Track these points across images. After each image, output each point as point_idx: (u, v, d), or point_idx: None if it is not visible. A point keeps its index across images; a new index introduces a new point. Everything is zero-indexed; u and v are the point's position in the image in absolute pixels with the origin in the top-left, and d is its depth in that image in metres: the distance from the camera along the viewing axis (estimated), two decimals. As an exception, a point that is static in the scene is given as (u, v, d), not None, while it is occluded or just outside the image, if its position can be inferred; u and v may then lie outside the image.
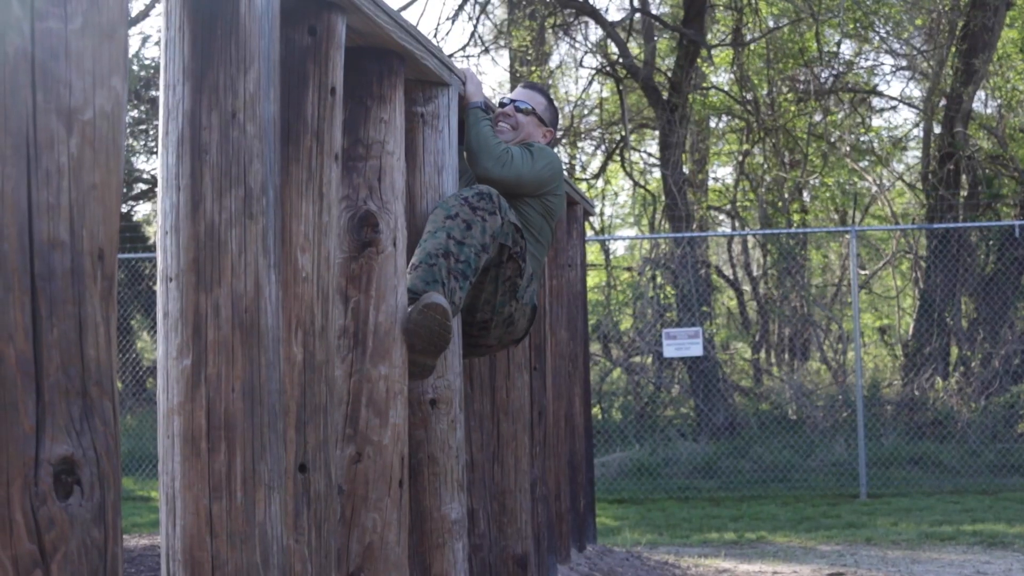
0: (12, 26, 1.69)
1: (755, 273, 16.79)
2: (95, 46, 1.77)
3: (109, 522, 1.73)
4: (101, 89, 1.77)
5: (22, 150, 1.68)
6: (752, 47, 16.28)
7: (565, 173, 5.02)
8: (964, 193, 14.76)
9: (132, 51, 15.77)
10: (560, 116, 19.36)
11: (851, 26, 15.56)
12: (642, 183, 18.64)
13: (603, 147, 19.40)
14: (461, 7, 15.25)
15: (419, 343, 3.38)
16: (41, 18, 1.71)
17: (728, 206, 18.34)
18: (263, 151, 2.39)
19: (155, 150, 17.91)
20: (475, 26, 15.50)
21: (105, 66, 1.78)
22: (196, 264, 2.33)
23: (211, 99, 2.36)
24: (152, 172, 18.55)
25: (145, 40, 17.03)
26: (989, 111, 17.12)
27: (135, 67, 15.82)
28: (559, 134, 17.83)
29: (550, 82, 18.55)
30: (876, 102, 18.31)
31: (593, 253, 17.56)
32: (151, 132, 17.43)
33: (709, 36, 16.11)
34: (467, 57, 15.81)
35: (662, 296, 13.70)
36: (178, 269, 2.34)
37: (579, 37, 17.57)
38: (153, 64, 16.57)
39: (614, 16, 20.26)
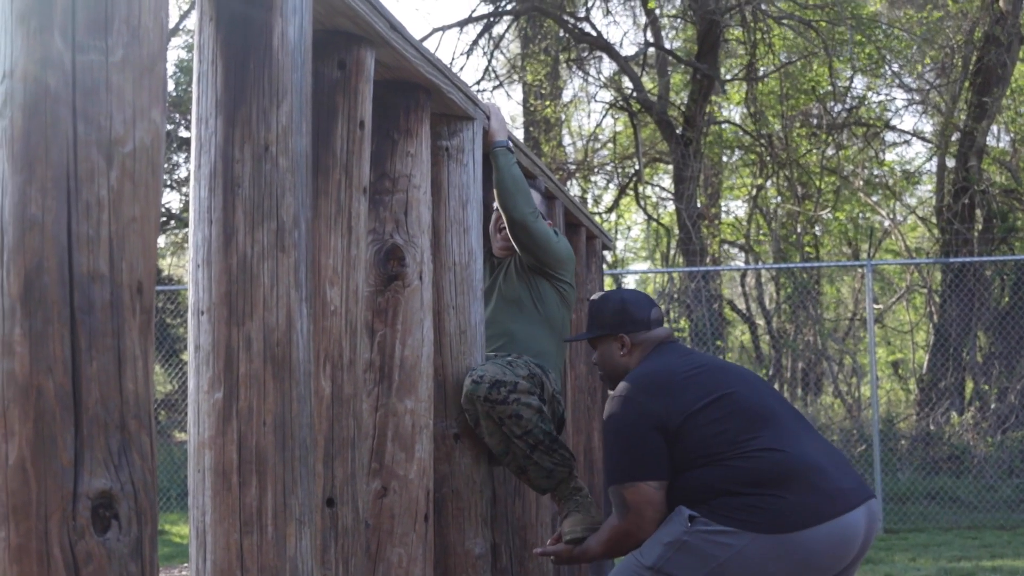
0: (53, 59, 1.69)
1: (768, 307, 16.75)
2: (135, 79, 1.77)
3: (146, 557, 1.72)
4: (141, 122, 1.77)
5: (62, 183, 1.68)
6: (765, 82, 16.32)
7: (578, 202, 5.03)
8: (979, 227, 14.73)
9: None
10: (573, 150, 19.43)
11: (863, 61, 15.58)
12: (655, 217, 18.65)
13: (616, 181, 19.42)
14: (475, 42, 15.32)
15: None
16: (82, 51, 1.71)
17: (741, 240, 18.32)
18: (295, 184, 2.39)
19: (167, 181, 17.96)
20: (489, 60, 15.57)
21: (145, 99, 1.78)
22: (228, 297, 2.31)
23: (244, 132, 2.35)
24: (165, 203, 18.61)
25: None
26: (1003, 145, 17.11)
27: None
28: (572, 167, 17.84)
29: (563, 116, 18.59)
30: (889, 136, 18.33)
31: (607, 287, 17.52)
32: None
33: (723, 71, 16.16)
34: (481, 91, 15.86)
35: (676, 330, 13.67)
36: (210, 302, 2.32)
37: (593, 71, 17.64)
38: (169, 96, 16.63)
39: (628, 51, 20.33)
